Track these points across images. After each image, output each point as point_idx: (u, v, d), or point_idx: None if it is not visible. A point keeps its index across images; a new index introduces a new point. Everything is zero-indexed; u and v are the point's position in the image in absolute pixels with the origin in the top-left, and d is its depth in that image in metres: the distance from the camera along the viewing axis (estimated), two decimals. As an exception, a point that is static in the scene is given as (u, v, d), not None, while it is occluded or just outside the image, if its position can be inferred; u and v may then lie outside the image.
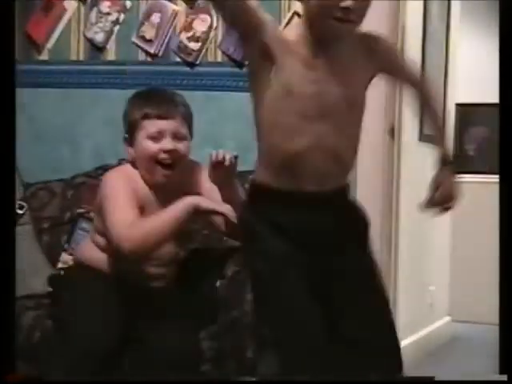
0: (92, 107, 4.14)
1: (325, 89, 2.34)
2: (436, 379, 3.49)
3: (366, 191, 3.87)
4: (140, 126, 3.14)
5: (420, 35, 4.74)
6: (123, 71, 4.18)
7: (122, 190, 3.10)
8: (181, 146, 3.14)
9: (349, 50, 2.43)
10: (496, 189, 6.24)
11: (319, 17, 2.31)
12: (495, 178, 6.07)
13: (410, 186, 4.34)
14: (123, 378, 2.83)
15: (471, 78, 5.96)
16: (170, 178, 3.14)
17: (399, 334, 2.90)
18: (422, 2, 4.73)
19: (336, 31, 2.35)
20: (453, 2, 5.40)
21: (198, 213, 3.00)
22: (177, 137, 3.15)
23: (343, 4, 2.28)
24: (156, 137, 3.12)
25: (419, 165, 4.67)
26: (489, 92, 6.08)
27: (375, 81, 3.69)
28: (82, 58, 4.29)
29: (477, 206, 6.04)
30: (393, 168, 4.06)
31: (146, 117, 3.14)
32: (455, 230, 5.78)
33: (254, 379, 3.14)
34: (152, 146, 3.12)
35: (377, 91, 3.85)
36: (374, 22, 3.77)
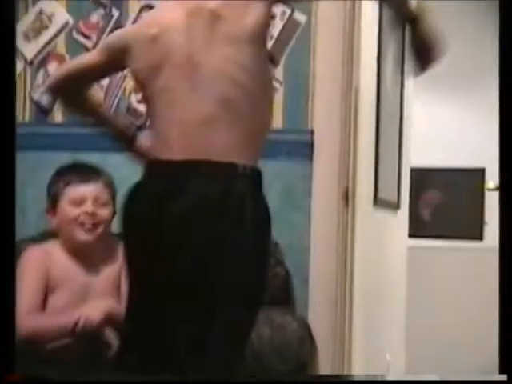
0: (39, 171, 4.11)
1: None
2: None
3: (320, 256, 3.92)
4: (63, 193, 3.35)
5: (374, 95, 4.74)
6: (70, 133, 4.22)
7: (33, 272, 3.30)
8: (102, 212, 3.33)
9: None
10: (449, 253, 6.29)
11: None
12: (449, 243, 6.19)
13: (365, 251, 4.28)
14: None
15: (426, 142, 6.00)
16: (90, 244, 3.33)
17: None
18: (375, 61, 4.73)
19: None
20: (407, 57, 5.45)
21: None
22: (98, 202, 3.34)
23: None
24: (78, 202, 3.32)
25: (374, 230, 4.67)
26: (443, 156, 6.18)
27: (329, 142, 3.74)
28: (27, 119, 4.32)
29: (431, 269, 6.07)
30: (347, 233, 3.99)
31: (69, 183, 3.36)
32: (410, 293, 5.79)
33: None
34: (74, 211, 3.31)
35: (330, 154, 3.92)
36: (325, 85, 3.89)
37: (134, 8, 4.14)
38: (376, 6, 4.65)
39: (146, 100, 2.92)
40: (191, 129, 2.60)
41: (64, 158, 3.92)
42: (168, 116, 2.70)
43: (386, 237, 5.18)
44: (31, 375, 2.99)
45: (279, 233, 3.75)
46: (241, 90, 2.61)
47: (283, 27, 3.96)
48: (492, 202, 5.23)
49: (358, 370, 4.17)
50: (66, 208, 3.34)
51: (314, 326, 3.80)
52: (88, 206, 3.32)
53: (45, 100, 4.27)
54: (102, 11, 4.20)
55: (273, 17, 3.89)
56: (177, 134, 2.63)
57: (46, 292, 3.32)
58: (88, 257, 3.37)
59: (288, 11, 3.95)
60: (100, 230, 3.34)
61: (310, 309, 3.89)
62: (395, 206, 5.34)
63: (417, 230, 6.03)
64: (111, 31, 4.12)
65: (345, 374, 4.00)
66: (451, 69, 6.00)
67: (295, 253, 3.89)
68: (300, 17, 3.97)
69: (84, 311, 3.18)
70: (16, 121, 2.75)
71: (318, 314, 3.89)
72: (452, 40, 5.53)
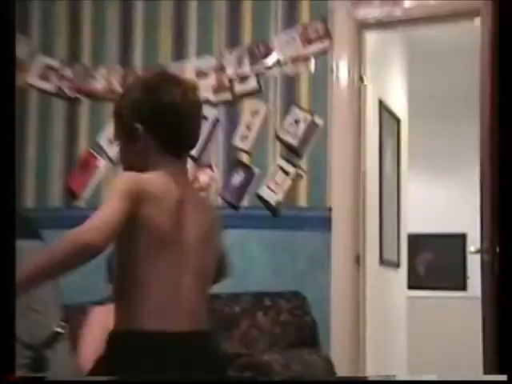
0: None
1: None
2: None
3: (338, 306, 3.92)
4: None
5: (377, 178, 4.84)
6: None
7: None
8: None
9: None
10: (440, 301, 6.31)
11: None
12: (441, 293, 6.22)
13: (373, 300, 4.34)
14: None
15: (419, 213, 6.08)
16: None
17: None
18: (377, 152, 4.83)
19: None
20: (402, 148, 5.51)
21: None
22: None
23: None
24: None
25: (380, 284, 4.76)
26: (434, 224, 6.25)
27: (343, 217, 3.76)
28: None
29: (426, 314, 6.09)
30: (359, 288, 4.03)
31: None
32: (409, 334, 5.83)
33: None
34: None
35: (344, 226, 4.01)
36: (340, 172, 3.99)
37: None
38: (377, 112, 4.80)
39: None
40: None
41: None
42: None
43: (390, 289, 5.19)
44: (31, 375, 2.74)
45: (306, 289, 3.89)
46: None
47: (306, 128, 3.98)
48: (473, 260, 5.30)
49: None
50: None
51: (336, 362, 3.79)
52: None
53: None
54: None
55: (297, 121, 4.07)
56: None
57: None
58: None
59: (309, 117, 3.99)
60: None
61: (332, 349, 3.87)
62: (396, 265, 5.36)
63: (414, 282, 6.09)
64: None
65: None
66: (439, 156, 6.15)
67: (319, 305, 3.87)
68: (318, 120, 3.98)
69: None
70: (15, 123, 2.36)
71: (338, 354, 3.86)
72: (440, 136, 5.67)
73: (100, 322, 3.12)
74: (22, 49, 4.46)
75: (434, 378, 3.07)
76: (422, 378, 3.05)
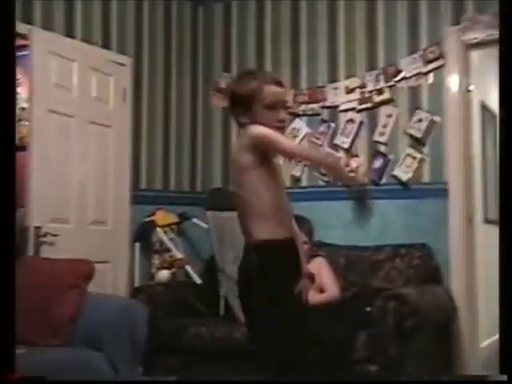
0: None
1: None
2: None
3: (456, 255, 3.79)
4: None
5: (481, 160, 4.64)
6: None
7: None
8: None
9: None
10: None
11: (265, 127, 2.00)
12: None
13: (482, 250, 4.19)
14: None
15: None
16: None
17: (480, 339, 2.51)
18: (481, 140, 4.62)
19: None
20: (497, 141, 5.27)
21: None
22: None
23: (280, 117, 2.06)
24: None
25: (486, 237, 4.56)
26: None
27: (458, 188, 3.56)
28: (288, 185, 4.05)
29: None
30: (472, 240, 3.88)
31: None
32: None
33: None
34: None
35: (459, 196, 3.85)
36: (454, 156, 3.84)
37: (342, 121, 4.11)
38: (480, 111, 4.58)
39: None
40: None
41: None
42: None
43: (494, 240, 5.01)
44: (31, 375, 2.13)
45: (431, 242, 3.79)
46: None
47: (427, 125, 3.85)
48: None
49: (481, 320, 4.04)
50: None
51: (455, 295, 3.71)
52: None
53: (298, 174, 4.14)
54: (325, 124, 4.15)
55: (420, 120, 3.92)
56: None
57: None
58: None
59: (429, 116, 3.85)
60: None
61: (451, 285, 3.74)
62: (497, 222, 5.17)
63: None
64: (331, 136, 4.12)
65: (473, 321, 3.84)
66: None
67: (441, 253, 3.74)
68: (436, 118, 3.85)
69: None
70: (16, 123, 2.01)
71: (456, 288, 3.73)
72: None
73: None
74: (225, 81, 4.55)
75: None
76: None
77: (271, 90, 2.06)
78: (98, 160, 3.85)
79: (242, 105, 2.07)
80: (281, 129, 2.07)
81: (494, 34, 3.68)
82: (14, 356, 1.90)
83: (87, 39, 3.85)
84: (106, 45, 3.98)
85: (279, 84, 2.11)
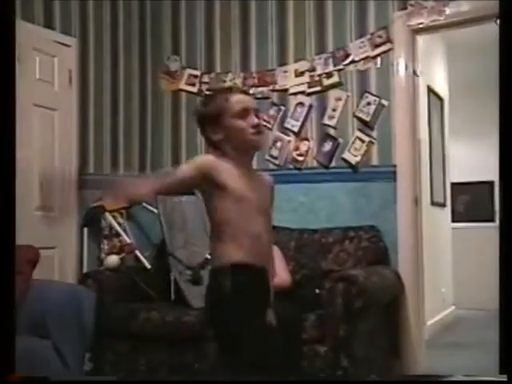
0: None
1: (261, 193, 2.03)
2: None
3: (403, 236, 3.83)
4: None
5: (428, 143, 4.72)
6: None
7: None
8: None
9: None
10: (477, 230, 6.12)
11: (241, 137, 1.97)
12: (476, 224, 6.05)
13: (428, 231, 4.26)
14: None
15: (459, 165, 5.92)
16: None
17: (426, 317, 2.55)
18: (427, 124, 4.70)
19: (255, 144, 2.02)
20: (445, 120, 5.37)
21: None
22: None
23: (253, 123, 1.99)
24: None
25: (432, 219, 4.65)
26: (470, 173, 6.07)
27: (405, 171, 3.62)
28: None
29: (464, 240, 5.95)
30: (417, 222, 3.92)
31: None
32: (454, 253, 5.70)
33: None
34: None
35: (406, 178, 3.92)
36: (401, 139, 3.89)
37: (292, 105, 4.11)
38: (426, 94, 4.65)
39: None
40: None
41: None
42: None
43: (439, 222, 5.14)
44: (31, 375, 2.14)
45: (380, 223, 3.84)
46: None
47: (375, 108, 3.88)
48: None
49: (427, 298, 4.07)
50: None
51: (402, 275, 3.76)
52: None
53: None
54: (275, 108, 4.16)
55: (369, 103, 3.95)
56: None
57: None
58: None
59: (377, 100, 3.88)
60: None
61: (398, 265, 3.79)
62: (443, 205, 5.30)
63: (456, 217, 5.96)
64: (281, 119, 4.14)
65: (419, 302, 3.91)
66: (472, 124, 5.95)
67: (389, 234, 3.79)
68: (385, 102, 3.87)
69: None
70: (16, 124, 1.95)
71: (403, 268, 3.79)
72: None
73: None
74: (174, 64, 4.51)
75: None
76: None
77: (237, 98, 2.03)
78: (43, 144, 3.75)
79: (212, 122, 2.02)
80: (257, 134, 2.02)
81: (439, 19, 3.75)
82: (14, 356, 1.85)
83: (28, 18, 3.72)
84: (48, 24, 3.86)
85: (245, 93, 2.13)
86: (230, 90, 2.15)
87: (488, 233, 5.86)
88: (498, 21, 3.28)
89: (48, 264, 3.39)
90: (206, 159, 1.96)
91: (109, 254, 3.92)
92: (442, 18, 3.74)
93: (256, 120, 2.02)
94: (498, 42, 2.18)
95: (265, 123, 4.18)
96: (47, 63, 3.79)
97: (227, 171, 1.94)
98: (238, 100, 2.02)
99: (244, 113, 2.01)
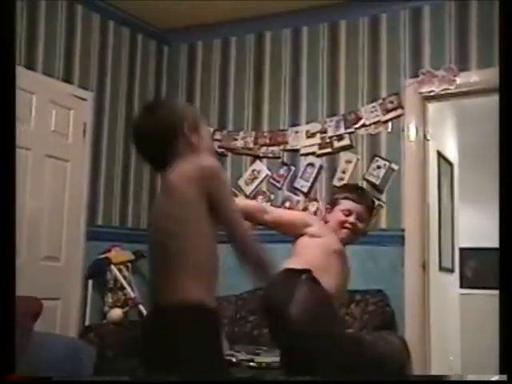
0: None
1: None
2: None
3: (410, 301, 3.81)
4: (339, 203, 2.78)
5: (437, 208, 4.71)
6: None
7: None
8: (360, 225, 2.77)
9: None
10: (485, 297, 6.04)
11: None
12: (484, 291, 5.98)
13: (436, 296, 4.18)
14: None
15: (468, 231, 5.90)
16: (343, 241, 2.75)
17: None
18: (437, 188, 4.71)
19: None
20: (455, 185, 5.38)
21: None
22: (359, 218, 2.75)
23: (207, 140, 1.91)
24: (347, 213, 2.74)
25: (440, 284, 4.60)
26: (479, 239, 6.04)
27: (413, 235, 3.58)
28: None
29: (475, 308, 5.87)
30: (425, 287, 3.89)
31: (346, 198, 2.78)
32: (462, 321, 5.60)
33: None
34: (342, 217, 2.74)
35: (414, 242, 3.90)
36: (410, 203, 3.91)
37: (302, 165, 4.15)
38: (436, 159, 4.67)
39: None
40: None
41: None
42: None
43: (447, 288, 5.08)
44: (31, 375, 2.08)
45: (387, 288, 3.81)
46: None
47: (385, 172, 3.92)
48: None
49: (433, 366, 3.99)
50: (337, 213, 2.75)
51: (409, 342, 3.72)
52: (352, 219, 2.72)
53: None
54: (285, 167, 4.20)
55: (379, 167, 3.99)
56: None
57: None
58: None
59: (387, 164, 3.92)
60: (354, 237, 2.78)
61: (406, 331, 3.77)
62: (451, 270, 5.24)
63: (464, 283, 5.90)
64: (290, 179, 4.17)
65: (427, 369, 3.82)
66: (481, 190, 5.96)
67: (396, 299, 3.78)
68: (394, 166, 3.92)
69: None
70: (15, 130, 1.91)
71: (410, 334, 3.76)
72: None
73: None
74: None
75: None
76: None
77: (192, 110, 1.96)
78: (54, 194, 3.79)
79: (163, 142, 1.81)
80: (213, 152, 1.93)
81: (450, 88, 3.82)
82: (14, 356, 1.81)
83: (48, 72, 3.82)
84: (67, 78, 3.96)
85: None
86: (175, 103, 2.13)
87: (496, 300, 5.80)
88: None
89: (50, 315, 3.37)
90: None
91: (112, 307, 3.89)
92: (452, 88, 3.82)
93: (210, 139, 2.04)
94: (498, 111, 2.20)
95: (274, 182, 4.22)
96: (63, 115, 3.87)
97: None
98: (192, 113, 1.93)
99: (198, 128, 1.88)
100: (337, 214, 2.77)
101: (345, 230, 2.75)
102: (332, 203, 2.86)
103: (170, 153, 1.80)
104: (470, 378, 2.91)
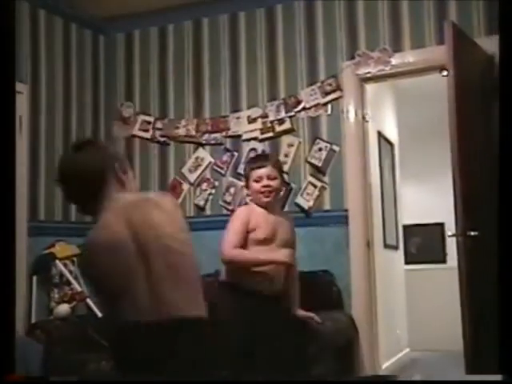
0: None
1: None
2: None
3: (356, 279, 3.88)
4: (250, 176, 3.02)
5: (379, 187, 4.79)
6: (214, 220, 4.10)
7: (239, 219, 2.92)
8: (273, 183, 2.98)
9: None
10: (429, 272, 6.20)
11: None
12: (428, 265, 6.15)
13: (381, 273, 4.27)
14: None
15: (410, 208, 6.03)
16: (269, 203, 2.98)
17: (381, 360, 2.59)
18: (378, 168, 4.79)
19: None
20: (395, 164, 5.49)
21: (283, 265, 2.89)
22: (270, 177, 2.98)
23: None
24: (258, 180, 2.99)
25: (385, 261, 4.70)
26: (421, 216, 6.19)
27: (357, 215, 3.66)
28: (192, 214, 4.22)
29: (417, 281, 6.02)
30: (370, 265, 3.97)
31: (252, 169, 3.02)
32: (408, 294, 5.74)
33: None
34: (257, 185, 2.99)
35: (358, 222, 3.97)
36: (352, 183, 3.96)
37: (245, 151, 4.16)
38: (377, 140, 4.75)
39: None
40: None
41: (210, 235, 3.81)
42: None
43: (392, 265, 5.18)
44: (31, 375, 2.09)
45: (334, 267, 3.87)
46: None
47: (326, 154, 3.96)
48: (449, 241, 5.22)
49: (381, 341, 4.10)
50: (253, 184, 3.00)
51: (356, 318, 3.81)
52: (264, 182, 2.97)
53: (201, 203, 4.19)
54: (228, 154, 4.21)
55: (320, 149, 4.04)
56: None
57: (247, 232, 2.90)
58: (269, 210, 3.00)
59: (329, 146, 3.96)
60: (274, 195, 2.99)
61: (352, 309, 3.84)
62: (396, 247, 5.35)
63: (409, 259, 6.04)
64: (234, 165, 4.18)
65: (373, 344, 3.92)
66: (422, 168, 6.10)
67: (342, 278, 3.84)
68: (335, 148, 3.96)
69: (275, 255, 2.90)
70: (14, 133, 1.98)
71: (357, 312, 3.84)
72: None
73: (243, 214, 3.00)
74: (128, 111, 4.53)
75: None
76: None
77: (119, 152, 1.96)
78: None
79: (98, 180, 1.82)
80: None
81: (385, 69, 3.89)
82: (13, 356, 1.79)
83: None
84: None
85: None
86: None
87: (439, 273, 5.97)
88: (444, 72, 3.43)
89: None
90: None
91: (59, 302, 3.82)
92: (387, 68, 3.88)
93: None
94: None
95: (218, 169, 4.22)
96: (-3, 110, 3.75)
97: None
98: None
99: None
100: (252, 186, 3.02)
101: (262, 195, 2.98)
102: (246, 180, 3.09)
103: (102, 193, 1.80)
104: (470, 378, 2.99)
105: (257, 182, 2.99)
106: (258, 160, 3.14)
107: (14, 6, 2.09)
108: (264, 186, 2.98)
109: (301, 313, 3.12)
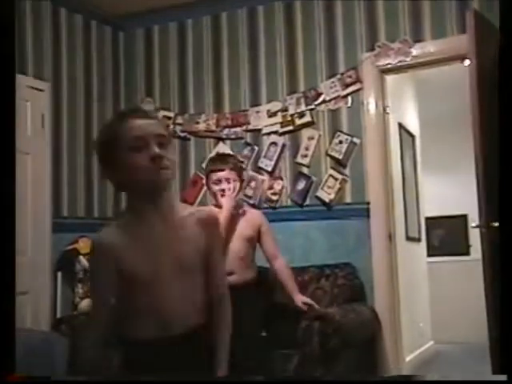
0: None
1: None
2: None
3: (378, 272, 3.86)
4: (209, 178, 3.14)
5: (400, 179, 4.77)
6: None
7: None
8: (232, 185, 3.08)
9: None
10: (452, 264, 6.15)
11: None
12: (451, 258, 6.10)
13: (403, 266, 4.25)
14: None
15: (433, 200, 5.99)
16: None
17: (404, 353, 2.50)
18: (399, 160, 4.76)
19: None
20: (417, 156, 5.45)
21: None
22: (229, 180, 3.08)
23: (152, 154, 1.61)
24: (216, 182, 3.10)
25: (407, 254, 4.67)
26: (444, 208, 6.14)
27: (378, 207, 3.65)
28: None
29: (442, 275, 5.98)
30: (392, 258, 3.94)
31: (211, 171, 3.13)
32: (430, 288, 5.71)
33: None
34: (215, 187, 3.09)
35: (379, 214, 3.94)
36: (373, 176, 3.94)
37: (265, 144, 4.15)
38: (397, 132, 4.71)
39: None
40: None
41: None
42: None
43: (414, 257, 5.15)
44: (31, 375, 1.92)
45: (355, 260, 3.86)
46: None
47: (347, 147, 3.94)
48: (473, 232, 5.18)
49: (404, 334, 4.08)
50: (211, 187, 3.13)
51: (378, 311, 3.79)
52: (223, 185, 3.08)
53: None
54: (249, 148, 4.20)
55: (341, 142, 4.02)
56: None
57: None
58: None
59: (349, 138, 3.93)
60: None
61: (375, 302, 3.82)
62: (418, 240, 5.32)
63: (431, 252, 5.99)
64: (254, 159, 4.17)
65: (397, 337, 3.90)
66: (444, 160, 6.05)
67: (365, 271, 3.82)
68: (356, 140, 3.93)
69: None
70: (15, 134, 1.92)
71: (379, 305, 3.81)
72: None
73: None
74: (148, 106, 4.55)
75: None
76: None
77: (131, 124, 1.64)
78: (16, 188, 3.71)
79: (105, 159, 1.69)
80: (157, 169, 1.63)
81: (406, 60, 3.86)
82: (14, 356, 1.78)
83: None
84: (21, 70, 3.87)
85: (145, 116, 1.68)
86: (124, 114, 1.69)
87: (463, 266, 5.92)
88: (466, 62, 3.39)
89: (20, 310, 3.32)
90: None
91: (83, 298, 3.87)
92: (408, 59, 3.85)
93: (156, 150, 1.62)
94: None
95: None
96: (20, 108, 3.79)
97: None
98: (131, 127, 1.63)
99: (140, 143, 1.62)
100: (211, 187, 3.13)
101: (222, 197, 3.09)
102: (206, 180, 3.19)
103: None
104: (470, 378, 2.95)
105: (216, 184, 3.10)
106: (217, 159, 3.21)
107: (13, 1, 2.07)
108: (223, 190, 3.08)
109: (301, 298, 3.18)
